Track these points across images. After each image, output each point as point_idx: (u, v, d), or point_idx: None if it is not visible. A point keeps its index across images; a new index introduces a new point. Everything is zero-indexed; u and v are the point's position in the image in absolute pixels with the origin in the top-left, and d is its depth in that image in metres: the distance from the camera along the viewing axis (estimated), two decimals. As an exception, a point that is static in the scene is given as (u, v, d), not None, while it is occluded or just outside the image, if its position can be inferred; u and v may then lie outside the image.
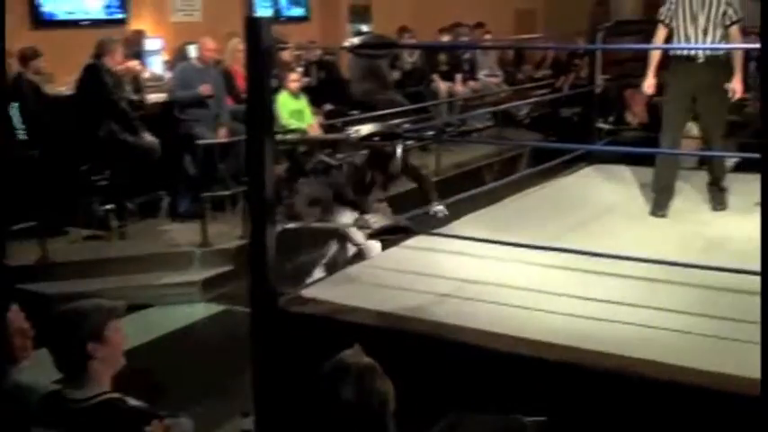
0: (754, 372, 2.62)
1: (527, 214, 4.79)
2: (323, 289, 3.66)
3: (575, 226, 4.52)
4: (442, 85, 10.23)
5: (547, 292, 3.49)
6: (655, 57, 5.09)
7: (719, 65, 4.86)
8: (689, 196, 5.16)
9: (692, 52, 4.84)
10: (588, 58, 6.86)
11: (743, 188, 5.12)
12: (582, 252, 3.58)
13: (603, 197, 5.28)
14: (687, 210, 4.96)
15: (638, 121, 7.82)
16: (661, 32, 4.97)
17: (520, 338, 3.04)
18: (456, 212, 4.85)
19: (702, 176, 5.19)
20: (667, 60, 5.01)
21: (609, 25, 6.85)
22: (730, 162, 5.36)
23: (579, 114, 8.32)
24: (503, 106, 9.76)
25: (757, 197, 4.84)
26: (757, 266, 2.71)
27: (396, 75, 9.98)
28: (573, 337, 3.02)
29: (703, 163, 5.46)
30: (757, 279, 3.00)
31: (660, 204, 4.94)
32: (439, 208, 4.85)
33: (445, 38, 10.51)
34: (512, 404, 2.73)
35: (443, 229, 4.38)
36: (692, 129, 5.44)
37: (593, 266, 3.66)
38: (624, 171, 5.75)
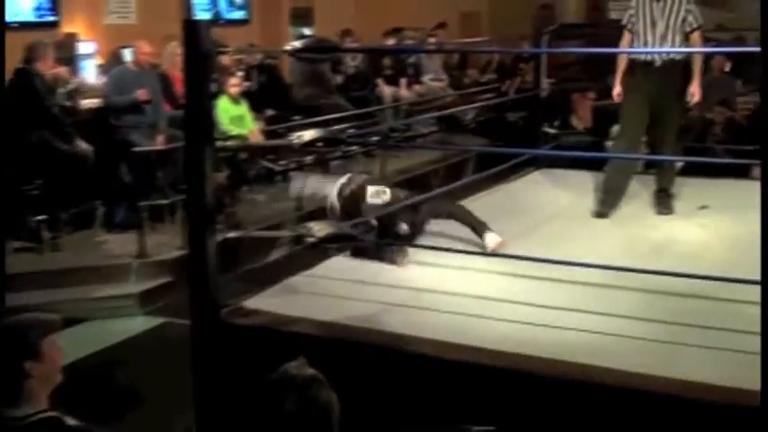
0: (701, 376, 2.70)
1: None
2: (266, 300, 3.58)
3: (523, 231, 4.50)
4: (387, 90, 10.17)
5: (493, 299, 3.44)
6: (620, 64, 5.11)
7: (676, 69, 4.91)
8: (636, 200, 5.17)
9: (649, 57, 4.90)
10: (533, 62, 6.86)
11: (688, 192, 5.17)
12: (529, 258, 3.54)
13: (551, 201, 5.28)
14: (634, 214, 4.98)
15: (583, 125, 7.85)
16: (626, 38, 5.02)
17: (464, 346, 2.99)
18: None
19: (647, 180, 5.21)
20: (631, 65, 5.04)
21: (553, 29, 6.87)
22: (677, 166, 5.39)
23: (525, 119, 8.33)
24: (448, 111, 9.73)
25: (702, 201, 4.94)
26: (731, 272, 2.71)
27: (339, 79, 9.90)
28: (521, 345, 2.98)
29: (650, 167, 5.47)
30: (698, 282, 3.15)
31: (604, 204, 4.94)
32: (491, 236, 4.18)
33: (390, 41, 10.45)
34: (459, 414, 2.70)
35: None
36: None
37: (541, 272, 3.65)
38: (571, 175, 5.76)
